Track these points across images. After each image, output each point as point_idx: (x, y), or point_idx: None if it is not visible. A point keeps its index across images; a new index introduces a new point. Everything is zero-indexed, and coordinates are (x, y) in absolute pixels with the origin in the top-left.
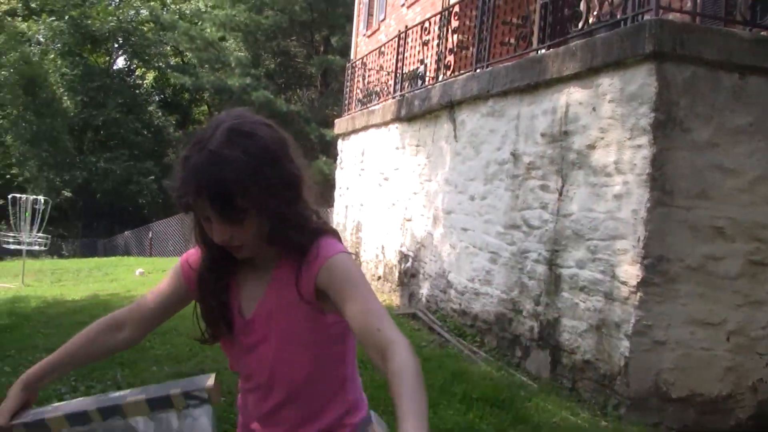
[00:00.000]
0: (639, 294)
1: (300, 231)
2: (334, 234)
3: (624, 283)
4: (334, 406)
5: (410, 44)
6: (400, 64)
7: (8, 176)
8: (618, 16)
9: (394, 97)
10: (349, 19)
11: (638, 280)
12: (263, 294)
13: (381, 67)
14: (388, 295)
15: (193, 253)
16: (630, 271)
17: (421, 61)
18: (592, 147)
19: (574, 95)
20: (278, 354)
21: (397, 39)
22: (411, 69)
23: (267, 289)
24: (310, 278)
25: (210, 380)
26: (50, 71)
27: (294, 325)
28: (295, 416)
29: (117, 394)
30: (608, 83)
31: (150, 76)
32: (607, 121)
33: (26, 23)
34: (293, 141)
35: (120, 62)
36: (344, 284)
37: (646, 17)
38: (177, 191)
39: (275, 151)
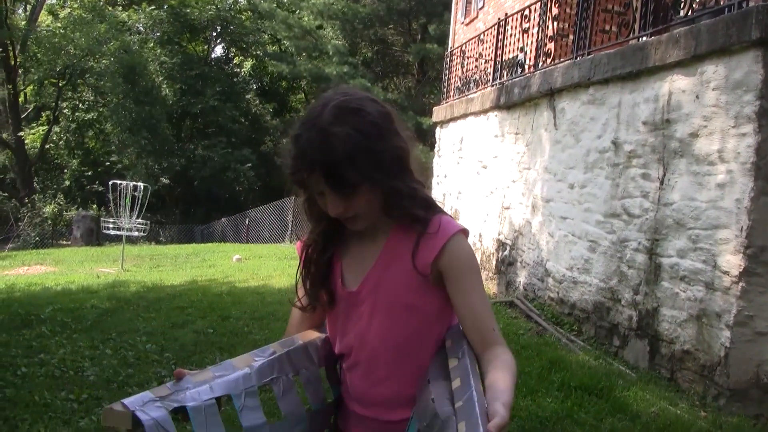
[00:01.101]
0: (741, 284)
1: (413, 201)
2: (443, 211)
3: (726, 272)
4: None
5: (510, 32)
6: (499, 52)
7: (108, 163)
8: (722, 2)
9: (493, 85)
10: (447, 7)
11: (740, 270)
12: (372, 265)
13: (480, 55)
14: (486, 284)
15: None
16: (732, 261)
17: (521, 49)
18: (694, 135)
19: (677, 83)
20: (381, 326)
21: (496, 27)
22: (510, 57)
23: (377, 260)
24: (430, 253)
25: None
26: (150, 60)
27: (401, 296)
28: (394, 395)
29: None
30: (712, 71)
31: (247, 64)
32: (711, 109)
33: (126, 13)
34: (397, 115)
35: (218, 51)
36: (464, 273)
37: (752, 3)
38: (291, 168)
39: (382, 126)
